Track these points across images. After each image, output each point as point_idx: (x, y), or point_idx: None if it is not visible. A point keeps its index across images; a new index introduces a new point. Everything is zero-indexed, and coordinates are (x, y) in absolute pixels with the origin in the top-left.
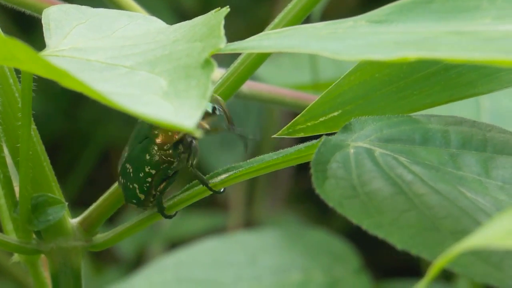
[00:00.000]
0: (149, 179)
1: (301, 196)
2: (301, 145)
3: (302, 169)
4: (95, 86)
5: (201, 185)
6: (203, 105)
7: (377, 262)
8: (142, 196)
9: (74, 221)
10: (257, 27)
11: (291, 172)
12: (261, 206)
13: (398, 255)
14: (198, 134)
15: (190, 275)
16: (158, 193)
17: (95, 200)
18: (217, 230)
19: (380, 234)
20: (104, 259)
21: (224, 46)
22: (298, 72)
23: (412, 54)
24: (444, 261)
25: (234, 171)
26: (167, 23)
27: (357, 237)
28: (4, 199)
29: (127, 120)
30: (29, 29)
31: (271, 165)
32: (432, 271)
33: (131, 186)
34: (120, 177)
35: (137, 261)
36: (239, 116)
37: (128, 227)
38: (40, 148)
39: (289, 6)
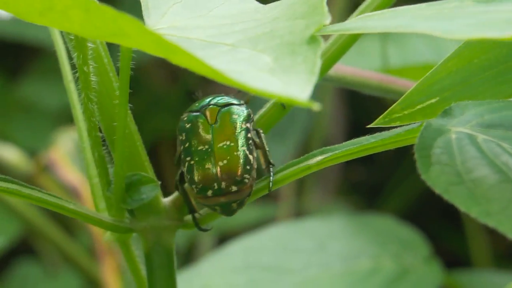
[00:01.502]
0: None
1: (350, 188)
2: (400, 129)
3: (351, 162)
4: (209, 62)
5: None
6: (313, 80)
7: None
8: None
9: (166, 200)
10: None
11: (340, 164)
12: (311, 198)
13: (447, 250)
14: (316, 107)
15: (259, 261)
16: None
17: None
18: (267, 222)
19: (490, 222)
20: None
21: (329, 22)
22: (361, 60)
23: None
24: None
25: (330, 153)
26: None
27: None
28: (97, 178)
29: (174, 113)
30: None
31: (368, 148)
32: None
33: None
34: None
35: (188, 254)
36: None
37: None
38: (134, 127)
39: None
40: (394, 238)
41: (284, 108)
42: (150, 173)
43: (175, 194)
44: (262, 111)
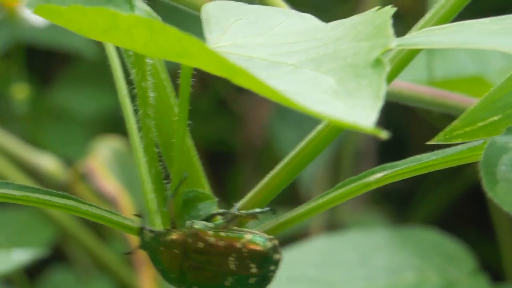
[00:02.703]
0: None
1: (382, 197)
2: (462, 146)
3: None
4: (272, 83)
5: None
6: (379, 105)
7: None
8: None
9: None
10: None
11: None
12: (343, 208)
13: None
14: (384, 135)
15: (303, 273)
16: None
17: None
18: (301, 232)
19: None
20: None
21: (394, 46)
22: (406, 72)
23: None
24: None
25: (391, 171)
26: None
27: None
28: (152, 193)
29: (204, 120)
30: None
31: (429, 166)
32: None
33: None
34: None
35: None
36: None
37: (279, 223)
38: (190, 143)
39: (441, 2)
40: (439, 251)
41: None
42: (207, 189)
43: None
44: (312, 134)
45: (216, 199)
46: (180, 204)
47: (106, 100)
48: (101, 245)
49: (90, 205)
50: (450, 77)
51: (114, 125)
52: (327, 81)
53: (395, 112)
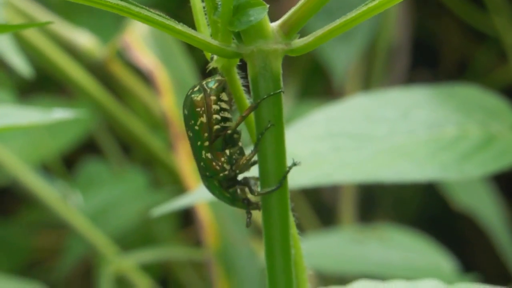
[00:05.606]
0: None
1: None
2: None
3: (417, 64)
4: None
5: None
6: None
7: None
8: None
9: (274, 24)
10: None
11: (406, 65)
12: None
13: None
14: None
15: (342, 129)
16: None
17: None
18: None
19: None
20: None
21: None
22: None
23: None
24: None
25: None
26: None
27: None
28: (201, 3)
29: None
30: None
31: None
32: None
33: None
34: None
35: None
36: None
37: (329, 29)
38: None
39: None
40: (480, 106)
41: None
42: None
43: (283, 18)
44: None
45: (267, 5)
46: (231, 10)
47: None
48: (146, 132)
49: (163, 17)
50: None
51: None
52: None
53: (429, 4)
